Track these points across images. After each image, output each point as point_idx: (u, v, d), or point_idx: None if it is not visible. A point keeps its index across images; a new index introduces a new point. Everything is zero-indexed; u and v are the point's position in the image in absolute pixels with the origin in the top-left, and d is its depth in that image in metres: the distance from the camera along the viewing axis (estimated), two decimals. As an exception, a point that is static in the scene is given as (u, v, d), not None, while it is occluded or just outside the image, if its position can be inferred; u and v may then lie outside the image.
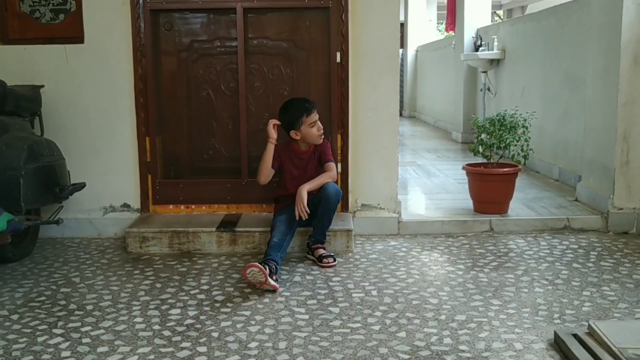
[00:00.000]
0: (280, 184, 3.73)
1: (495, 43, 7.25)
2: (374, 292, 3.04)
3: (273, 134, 3.58)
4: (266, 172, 3.63)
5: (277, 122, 3.61)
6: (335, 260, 3.47)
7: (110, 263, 3.57)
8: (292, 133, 3.59)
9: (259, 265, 3.03)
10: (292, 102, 3.64)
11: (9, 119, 3.40)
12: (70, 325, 2.70)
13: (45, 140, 3.51)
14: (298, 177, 3.62)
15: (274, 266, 3.15)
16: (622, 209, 4.06)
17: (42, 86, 3.82)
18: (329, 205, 3.50)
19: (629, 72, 3.95)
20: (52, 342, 2.54)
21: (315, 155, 3.68)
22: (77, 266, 3.52)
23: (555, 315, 2.74)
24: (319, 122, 3.60)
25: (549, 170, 5.62)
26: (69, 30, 4.07)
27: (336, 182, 3.63)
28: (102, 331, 2.64)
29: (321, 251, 3.50)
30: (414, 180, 5.59)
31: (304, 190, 3.45)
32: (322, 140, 3.65)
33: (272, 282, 3.03)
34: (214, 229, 3.73)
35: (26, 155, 3.23)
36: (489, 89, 7.59)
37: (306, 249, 3.61)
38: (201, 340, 2.53)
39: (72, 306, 2.92)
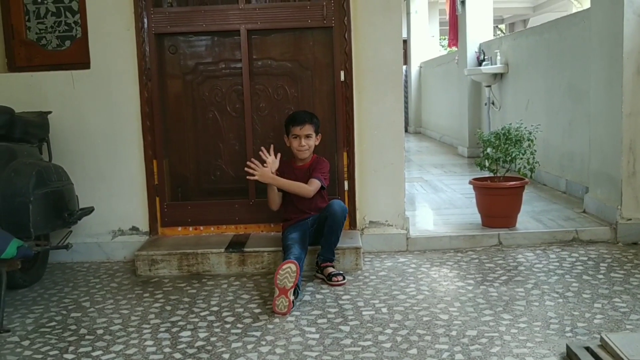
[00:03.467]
0: (285, 202, 3.76)
1: (498, 57, 7.28)
2: (384, 310, 3.04)
3: (264, 179, 3.65)
4: (272, 197, 3.72)
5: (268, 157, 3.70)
6: (344, 278, 3.46)
7: (120, 287, 3.57)
8: (285, 139, 3.75)
9: (297, 264, 3.13)
10: (294, 112, 3.85)
11: (17, 146, 3.42)
12: (81, 350, 2.71)
13: (54, 166, 3.53)
14: (298, 196, 3.68)
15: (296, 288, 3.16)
16: (630, 219, 4.05)
17: (50, 112, 3.85)
18: (335, 222, 3.50)
19: (632, 83, 3.96)
20: (63, 367, 2.55)
21: (310, 172, 3.73)
22: (87, 290, 3.52)
23: (567, 328, 2.73)
24: (304, 139, 3.66)
25: (556, 183, 5.61)
26: (75, 56, 4.13)
27: (341, 199, 3.65)
28: (113, 355, 2.64)
29: (330, 269, 3.50)
30: (421, 196, 5.59)
31: (270, 177, 3.62)
32: (303, 154, 3.70)
33: (291, 297, 3.04)
34: (222, 250, 3.74)
35: (35, 181, 3.25)
36: (493, 103, 7.61)
37: (315, 267, 3.60)
38: (212, 362, 2.53)
39: (83, 331, 2.92)
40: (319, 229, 3.55)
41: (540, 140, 4.76)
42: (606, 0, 4.17)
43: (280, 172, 3.71)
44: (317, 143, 3.76)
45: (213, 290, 3.43)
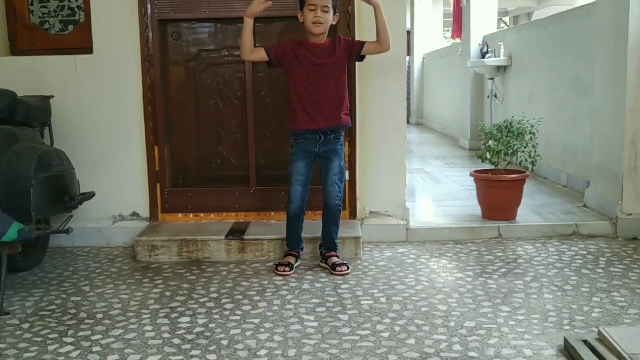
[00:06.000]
0: (293, 103, 3.43)
1: (502, 50, 7.26)
2: (383, 299, 3.04)
3: (253, 6, 3.32)
4: (246, 36, 3.36)
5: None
6: (348, 268, 3.44)
7: (120, 272, 3.58)
8: (298, 15, 3.39)
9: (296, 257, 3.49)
10: None
11: (19, 129, 3.43)
12: (81, 333, 2.72)
13: (55, 150, 3.54)
14: (309, 83, 3.37)
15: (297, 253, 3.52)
16: (631, 214, 4.05)
17: (52, 96, 3.85)
18: (332, 213, 3.49)
19: (636, 78, 3.95)
20: (62, 350, 2.56)
21: (337, 52, 3.39)
22: (86, 275, 3.53)
23: (565, 322, 2.73)
24: (321, 11, 3.29)
25: (557, 176, 5.61)
26: (78, 41, 4.12)
27: (340, 189, 3.51)
28: (112, 339, 2.65)
29: (334, 259, 3.49)
30: (421, 187, 5.59)
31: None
32: (318, 28, 3.32)
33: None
34: (222, 237, 3.74)
35: (36, 165, 3.25)
36: (495, 96, 7.59)
37: (319, 257, 3.60)
38: (210, 348, 2.54)
39: (82, 315, 2.93)
40: (323, 168, 3.48)
41: (542, 134, 4.76)
42: (612, -6, 4.16)
43: (292, 53, 3.37)
44: (334, 22, 3.43)
45: (212, 277, 3.44)
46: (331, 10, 3.35)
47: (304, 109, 3.40)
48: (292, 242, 3.58)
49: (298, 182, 3.47)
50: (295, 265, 3.51)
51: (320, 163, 3.51)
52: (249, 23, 3.35)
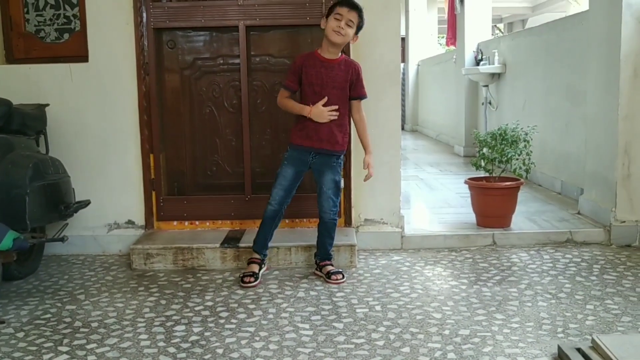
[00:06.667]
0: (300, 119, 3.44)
1: (496, 57, 7.30)
2: (378, 307, 3.05)
3: (317, 115, 3.35)
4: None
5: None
6: (344, 277, 3.44)
7: (115, 280, 3.58)
8: (322, 21, 3.38)
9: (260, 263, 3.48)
10: None
11: (14, 138, 3.43)
12: (76, 342, 2.72)
13: (51, 159, 3.54)
14: (318, 96, 3.37)
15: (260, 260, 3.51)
16: (624, 221, 4.07)
17: (47, 105, 3.85)
18: (327, 227, 3.48)
19: (629, 85, 3.98)
20: (57, 359, 2.55)
21: (345, 72, 3.40)
22: (82, 283, 3.53)
23: (559, 329, 2.75)
24: (345, 24, 3.29)
25: (551, 184, 5.64)
26: (73, 49, 4.12)
27: (335, 203, 3.48)
28: (108, 348, 2.65)
29: (329, 268, 3.48)
30: (416, 194, 5.61)
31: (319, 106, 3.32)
32: (337, 37, 3.30)
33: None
34: (218, 245, 3.75)
35: (32, 173, 3.26)
36: (490, 103, 7.63)
37: (313, 265, 3.60)
38: (206, 357, 2.54)
39: (77, 323, 2.93)
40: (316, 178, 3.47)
41: (537, 141, 4.78)
42: (604, 3, 4.19)
43: (306, 66, 3.38)
44: (353, 42, 3.50)
45: (208, 285, 3.44)
46: (354, 28, 3.36)
47: (305, 125, 3.41)
48: (259, 244, 3.53)
49: (282, 187, 3.45)
50: (260, 273, 3.47)
51: (313, 174, 3.50)
52: (300, 109, 3.40)
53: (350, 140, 3.97)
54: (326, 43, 3.37)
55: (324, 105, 3.35)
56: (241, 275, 3.46)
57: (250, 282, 3.38)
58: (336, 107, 3.37)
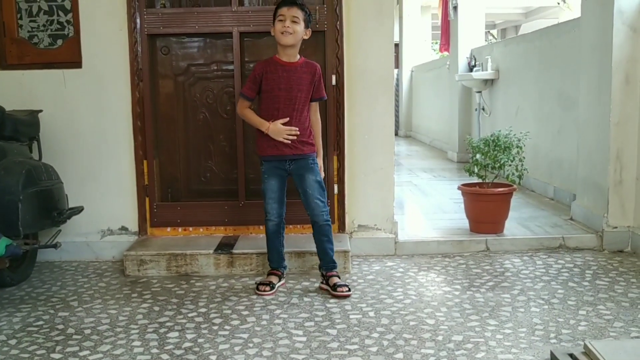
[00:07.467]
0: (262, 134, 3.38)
1: (489, 63, 7.33)
2: (371, 314, 3.05)
3: (276, 134, 3.33)
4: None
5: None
6: (350, 289, 3.32)
7: (108, 286, 3.57)
8: (271, 30, 3.37)
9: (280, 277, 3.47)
10: None
11: (7, 144, 3.42)
12: (69, 349, 2.71)
13: (43, 165, 3.53)
14: (284, 100, 3.33)
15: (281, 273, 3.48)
16: (616, 227, 4.09)
17: (40, 111, 3.85)
18: (322, 231, 3.40)
19: (620, 92, 4.00)
20: (50, 366, 2.55)
21: (310, 74, 3.36)
22: (75, 290, 3.52)
23: (552, 335, 2.76)
24: (290, 22, 3.26)
25: (544, 190, 5.66)
26: (67, 55, 4.12)
27: (325, 203, 3.43)
28: (100, 355, 2.64)
29: (336, 279, 3.37)
30: (410, 200, 5.62)
31: (278, 124, 3.30)
32: (286, 38, 3.27)
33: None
34: (211, 251, 3.74)
35: (24, 179, 3.25)
36: (483, 109, 7.65)
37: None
38: (199, 364, 2.54)
39: (70, 330, 2.92)
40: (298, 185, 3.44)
41: (529, 147, 4.80)
42: (596, 10, 4.22)
43: (266, 72, 3.33)
44: (306, 37, 3.37)
45: (201, 291, 3.44)
46: (302, 23, 3.31)
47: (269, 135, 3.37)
48: (274, 261, 3.51)
49: (273, 200, 3.43)
50: (277, 285, 3.43)
51: (294, 181, 3.44)
52: (259, 123, 3.38)
53: (343, 145, 3.99)
54: (280, 47, 3.35)
55: (284, 125, 3.33)
56: (257, 283, 3.44)
57: (265, 291, 3.35)
58: (296, 129, 3.33)
